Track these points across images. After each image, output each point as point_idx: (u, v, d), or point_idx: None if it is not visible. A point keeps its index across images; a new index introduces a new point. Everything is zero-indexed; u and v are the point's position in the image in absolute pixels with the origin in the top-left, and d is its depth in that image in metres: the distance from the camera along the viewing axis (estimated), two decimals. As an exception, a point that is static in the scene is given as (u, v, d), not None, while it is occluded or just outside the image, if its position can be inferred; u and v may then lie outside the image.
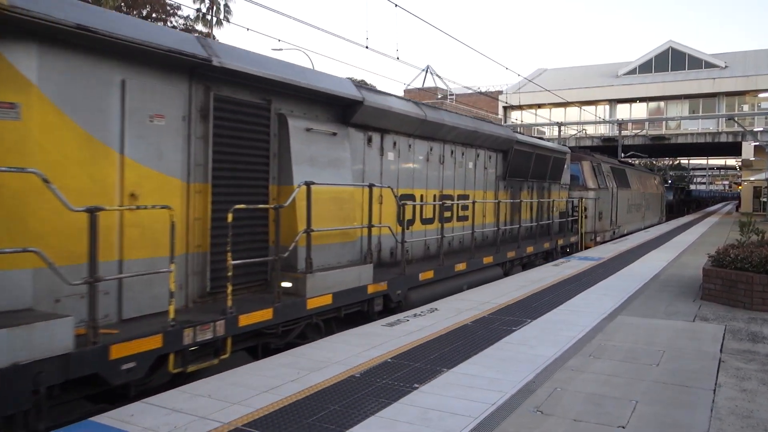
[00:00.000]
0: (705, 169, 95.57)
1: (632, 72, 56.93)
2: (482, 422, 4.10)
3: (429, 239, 10.19)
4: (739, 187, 56.54)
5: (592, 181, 19.35)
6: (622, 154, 39.38)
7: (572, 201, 17.80)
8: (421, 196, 10.16)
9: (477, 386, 4.81)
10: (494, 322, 7.11)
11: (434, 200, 10.44)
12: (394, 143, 9.45)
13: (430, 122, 9.86)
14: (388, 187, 8.78)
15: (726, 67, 53.34)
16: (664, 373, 5.34)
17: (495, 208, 12.69)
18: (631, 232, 23.63)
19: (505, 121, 52.96)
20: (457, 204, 11.15)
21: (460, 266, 10.07)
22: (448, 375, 5.10)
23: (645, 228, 26.85)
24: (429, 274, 9.07)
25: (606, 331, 6.93)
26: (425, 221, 10.26)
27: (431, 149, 10.44)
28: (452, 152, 11.10)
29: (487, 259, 11.16)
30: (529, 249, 13.50)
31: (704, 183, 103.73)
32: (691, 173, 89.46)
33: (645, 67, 56.51)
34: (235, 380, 4.87)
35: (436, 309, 7.85)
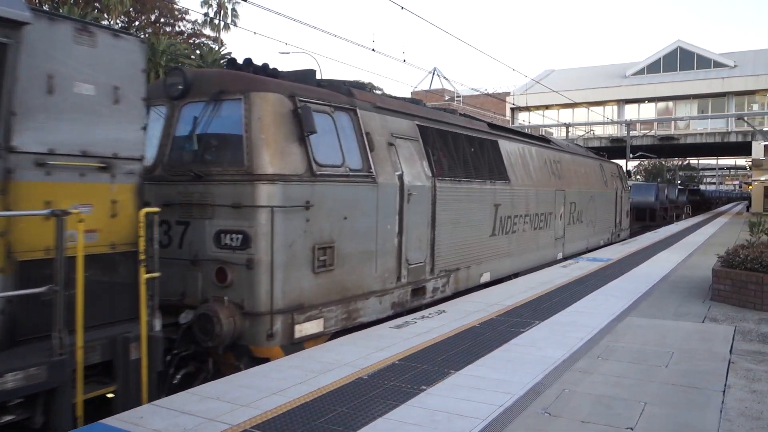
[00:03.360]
0: (715, 169, 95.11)
1: (640, 72, 56.78)
2: (490, 424, 4.10)
3: None
4: (750, 187, 56.19)
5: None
6: (631, 155, 39.05)
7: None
8: None
9: (485, 388, 4.81)
10: (502, 324, 7.10)
11: None
12: None
13: None
14: None
15: (735, 66, 53.09)
16: (674, 374, 5.32)
17: None
18: (517, 274, 11.38)
19: (513, 123, 52.95)
20: None
21: None
22: (456, 377, 5.10)
23: (563, 258, 14.22)
24: None
25: (615, 332, 6.90)
26: None
27: None
28: None
29: None
30: None
31: (714, 183, 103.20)
32: (701, 173, 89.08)
33: (653, 67, 56.36)
34: (244, 382, 4.89)
35: (443, 311, 7.84)
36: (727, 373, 5.37)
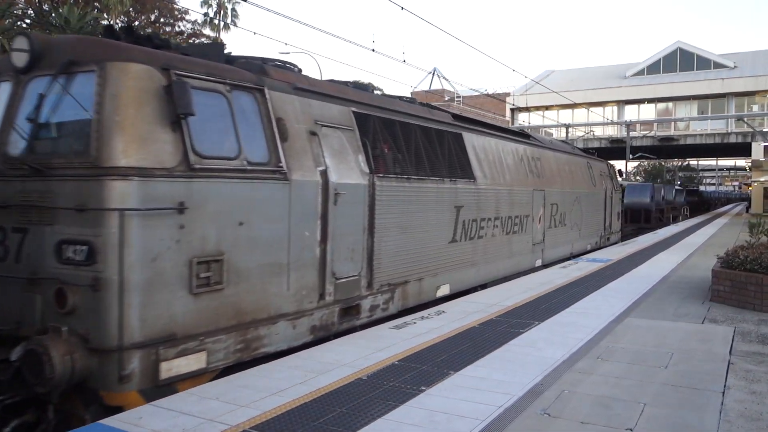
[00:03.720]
0: (714, 170, 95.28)
1: (640, 73, 56.86)
2: (489, 424, 4.10)
3: None
4: (749, 188, 56.22)
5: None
6: (631, 156, 39.02)
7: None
8: None
9: (484, 388, 4.81)
10: (502, 325, 7.10)
11: None
12: None
13: None
14: None
15: (735, 67, 53.17)
16: (673, 375, 5.32)
17: None
18: (484, 285, 10.20)
19: (513, 123, 53.01)
20: None
21: None
22: (455, 377, 5.10)
23: (543, 266, 12.93)
24: None
25: (615, 333, 6.90)
26: None
27: None
28: None
29: None
30: None
31: (713, 184, 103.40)
32: (701, 174, 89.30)
33: (653, 68, 56.46)
34: (244, 383, 4.89)
35: (443, 312, 7.84)
36: (727, 373, 5.36)
